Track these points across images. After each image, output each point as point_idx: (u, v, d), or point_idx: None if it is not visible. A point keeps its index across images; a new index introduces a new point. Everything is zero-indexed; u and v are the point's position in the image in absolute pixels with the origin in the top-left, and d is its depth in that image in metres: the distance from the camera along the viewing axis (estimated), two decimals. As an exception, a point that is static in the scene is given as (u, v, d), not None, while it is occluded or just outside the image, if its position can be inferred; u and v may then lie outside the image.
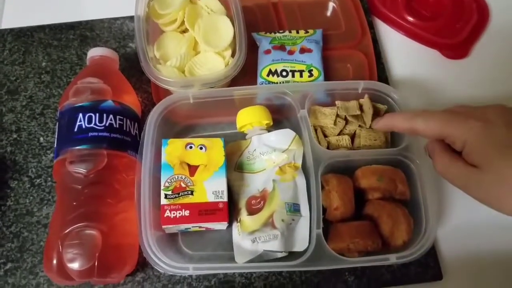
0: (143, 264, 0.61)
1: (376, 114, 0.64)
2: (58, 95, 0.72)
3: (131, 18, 0.79)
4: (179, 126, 0.68)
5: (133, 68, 0.73)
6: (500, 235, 0.64)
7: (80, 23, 0.79)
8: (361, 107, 0.65)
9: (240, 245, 0.59)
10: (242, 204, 0.60)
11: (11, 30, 0.78)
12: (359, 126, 0.64)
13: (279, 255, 0.58)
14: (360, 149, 0.63)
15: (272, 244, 0.56)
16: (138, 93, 0.70)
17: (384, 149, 0.62)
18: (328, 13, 0.79)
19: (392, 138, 0.65)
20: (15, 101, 0.72)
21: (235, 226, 0.60)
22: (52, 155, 0.68)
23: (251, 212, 0.59)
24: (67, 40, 0.77)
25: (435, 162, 0.52)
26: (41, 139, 0.69)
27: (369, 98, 0.65)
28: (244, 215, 0.59)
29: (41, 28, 0.78)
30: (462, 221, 0.65)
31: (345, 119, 0.64)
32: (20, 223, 0.64)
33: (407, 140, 0.61)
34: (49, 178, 0.67)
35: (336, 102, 0.65)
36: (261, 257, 0.57)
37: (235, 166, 0.64)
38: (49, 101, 0.72)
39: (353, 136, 0.64)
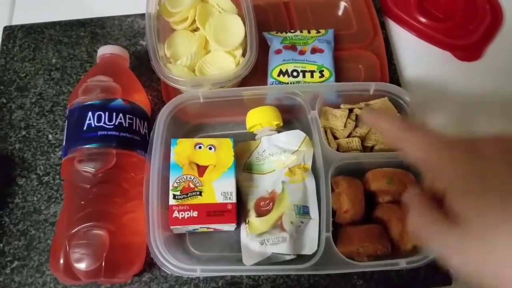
0: (150, 264, 0.60)
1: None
2: (68, 92, 0.72)
3: (142, 15, 0.78)
4: (188, 126, 0.68)
5: (143, 66, 0.73)
6: None
7: (91, 20, 0.79)
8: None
9: (248, 246, 0.58)
10: (251, 205, 0.60)
11: (22, 26, 0.78)
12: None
13: (287, 257, 0.57)
14: (376, 151, 0.62)
15: (281, 247, 0.55)
16: (147, 92, 0.70)
17: (395, 152, 0.62)
18: (340, 13, 0.79)
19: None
20: (25, 98, 0.72)
21: (244, 227, 0.60)
22: (60, 153, 0.68)
23: (260, 213, 0.59)
24: (78, 37, 0.77)
25: (409, 215, 0.40)
26: (50, 136, 0.69)
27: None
28: (252, 217, 0.59)
29: (52, 24, 0.78)
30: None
31: (356, 120, 0.63)
32: (28, 221, 0.64)
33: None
34: (58, 176, 0.66)
35: (361, 104, 0.64)
36: (269, 260, 0.57)
37: (244, 166, 0.64)
38: (58, 98, 0.72)
39: (363, 139, 0.63)
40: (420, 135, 0.40)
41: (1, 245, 0.62)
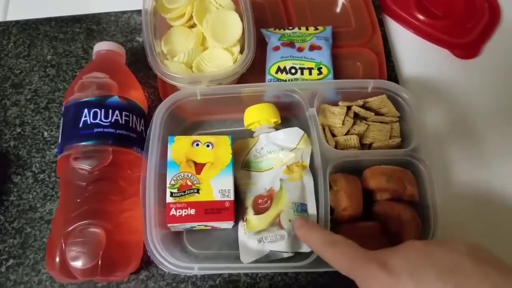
0: (147, 262, 0.60)
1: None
2: (63, 89, 0.72)
3: (138, 12, 0.78)
4: (185, 123, 0.67)
5: (139, 63, 0.72)
6: (509, 240, 0.63)
7: (86, 16, 0.78)
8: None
9: (246, 244, 0.58)
10: (249, 203, 0.60)
11: (16, 22, 0.77)
12: (381, 122, 0.63)
13: (285, 255, 0.57)
14: (374, 148, 0.62)
15: (279, 245, 0.55)
16: (144, 89, 0.69)
17: (393, 149, 0.61)
18: (338, 10, 0.78)
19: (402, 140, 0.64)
20: (20, 94, 0.71)
21: (241, 225, 0.59)
22: (56, 150, 0.67)
23: (258, 211, 0.58)
24: (73, 33, 0.76)
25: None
26: (45, 133, 0.68)
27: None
28: (250, 214, 0.58)
29: (47, 20, 0.78)
30: (469, 224, 0.64)
31: (354, 117, 0.63)
32: (23, 218, 0.63)
33: (416, 141, 0.60)
34: (53, 174, 0.66)
35: (359, 101, 0.64)
36: (267, 257, 0.56)
37: (241, 164, 0.63)
38: (54, 95, 0.71)
39: (361, 136, 0.63)
40: (344, 245, 0.45)
41: (-4, 243, 0.62)
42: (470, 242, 0.41)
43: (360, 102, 0.63)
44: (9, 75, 0.73)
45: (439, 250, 0.40)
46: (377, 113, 0.64)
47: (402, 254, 0.41)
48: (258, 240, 0.56)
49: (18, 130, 0.69)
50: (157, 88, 0.70)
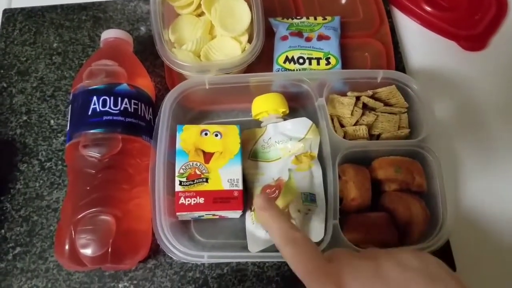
0: (155, 250, 0.60)
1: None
2: (69, 77, 0.71)
3: (145, 0, 0.77)
4: (193, 112, 0.67)
5: (146, 52, 0.72)
6: (516, 230, 0.63)
7: (93, 4, 0.77)
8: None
9: (254, 234, 0.58)
10: (257, 192, 0.59)
11: (22, 9, 0.77)
12: (390, 113, 0.63)
13: (293, 245, 0.57)
14: (383, 139, 0.62)
15: None
16: (151, 77, 0.68)
17: (402, 140, 0.61)
18: (346, 0, 0.78)
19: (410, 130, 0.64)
20: (25, 82, 0.71)
21: (249, 214, 0.59)
22: (62, 138, 0.67)
23: (266, 201, 0.58)
24: (79, 21, 0.76)
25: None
26: (52, 121, 0.68)
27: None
28: (258, 204, 0.58)
29: (53, 8, 0.77)
30: (477, 214, 0.64)
31: (363, 107, 0.63)
32: (30, 207, 0.63)
33: (425, 132, 0.60)
34: (60, 162, 0.65)
35: (368, 92, 0.64)
36: (274, 247, 0.56)
37: (249, 154, 0.63)
38: (60, 83, 0.71)
39: (369, 127, 0.63)
40: (301, 247, 0.42)
41: (3, 231, 0.62)
42: (421, 254, 0.42)
43: (370, 92, 0.63)
44: (15, 62, 0.72)
45: (393, 271, 0.39)
46: (386, 104, 0.63)
47: (359, 276, 0.40)
48: (266, 230, 0.56)
49: (24, 118, 0.68)
50: (164, 77, 0.70)
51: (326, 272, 0.40)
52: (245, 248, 0.57)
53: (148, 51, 0.72)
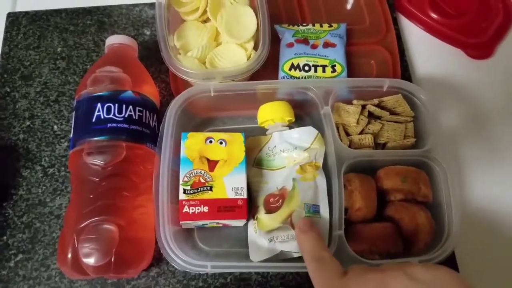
0: (158, 259, 0.60)
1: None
2: (73, 82, 0.71)
3: (150, 5, 0.77)
4: (197, 119, 0.67)
5: (151, 57, 0.71)
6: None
7: (97, 8, 0.77)
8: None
9: (256, 243, 0.57)
10: (260, 201, 0.59)
11: (26, 13, 0.76)
12: (395, 122, 0.63)
13: (295, 255, 0.56)
14: (389, 148, 0.61)
15: (290, 245, 0.54)
16: (156, 83, 0.68)
17: (408, 150, 0.61)
18: (352, 7, 0.77)
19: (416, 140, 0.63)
20: (29, 87, 0.70)
21: (251, 223, 0.59)
22: (66, 144, 0.66)
23: (269, 210, 0.58)
24: (84, 25, 0.75)
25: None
26: (55, 127, 0.68)
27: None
28: (261, 213, 0.57)
29: (57, 12, 0.77)
30: (483, 225, 0.64)
31: (368, 116, 0.62)
32: (32, 213, 0.63)
33: (431, 142, 0.59)
34: (63, 168, 0.65)
35: (374, 100, 0.63)
36: (277, 256, 0.56)
37: (253, 161, 0.63)
38: (64, 88, 0.70)
39: (375, 136, 0.62)
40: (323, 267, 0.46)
41: (5, 237, 0.61)
42: (434, 267, 0.41)
43: (376, 101, 0.63)
44: (19, 66, 0.72)
45: (400, 284, 0.40)
46: (392, 113, 0.63)
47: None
48: (269, 239, 0.55)
49: (28, 123, 0.68)
50: (169, 83, 0.70)
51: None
52: (248, 256, 0.57)
53: (153, 57, 0.71)
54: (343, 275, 0.44)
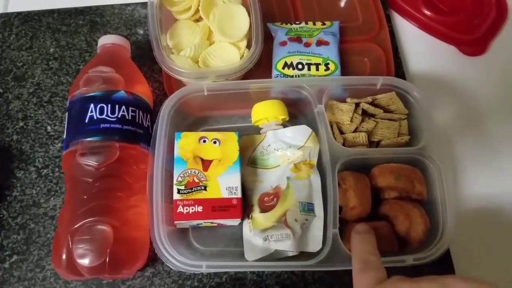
0: (152, 258, 0.60)
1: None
2: (66, 82, 0.70)
3: (142, 4, 0.77)
4: (191, 118, 0.66)
5: (144, 57, 0.71)
6: (516, 238, 0.63)
7: (90, 8, 0.77)
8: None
9: (251, 242, 0.57)
10: (255, 200, 0.59)
11: (18, 13, 0.76)
12: (389, 119, 0.63)
13: (290, 254, 0.56)
14: (383, 146, 0.61)
15: (285, 244, 0.54)
16: (149, 83, 0.68)
17: (402, 147, 0.61)
18: (345, 5, 0.77)
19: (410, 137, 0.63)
20: (22, 88, 0.70)
21: (246, 222, 0.59)
22: (60, 145, 0.66)
23: (264, 209, 0.58)
24: (76, 25, 0.75)
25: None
26: (49, 128, 0.67)
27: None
28: (256, 212, 0.58)
29: (50, 12, 0.76)
30: (478, 222, 0.64)
31: (362, 114, 0.62)
32: (27, 214, 0.62)
33: (425, 139, 0.59)
34: (57, 169, 0.65)
35: (368, 98, 0.63)
36: (272, 255, 0.56)
37: (248, 161, 0.63)
38: (57, 88, 0.70)
39: (369, 134, 0.62)
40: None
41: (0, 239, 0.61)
42: (470, 279, 0.41)
43: (369, 99, 0.63)
44: (11, 67, 0.71)
45: None
46: (386, 110, 0.63)
47: None
48: (263, 238, 0.55)
49: (21, 124, 0.68)
50: (162, 83, 0.69)
51: None
52: (243, 256, 0.57)
53: (145, 56, 0.71)
54: (380, 283, 0.44)
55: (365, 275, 0.46)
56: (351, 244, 0.52)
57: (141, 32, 0.75)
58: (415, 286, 0.41)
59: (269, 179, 0.60)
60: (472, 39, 0.76)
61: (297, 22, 0.72)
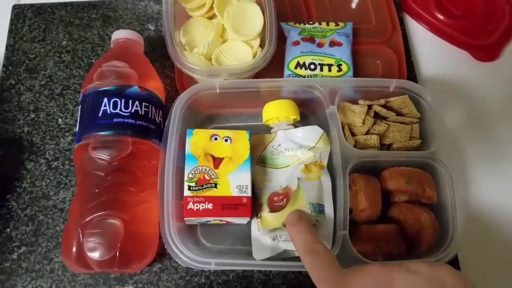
0: (160, 254, 0.60)
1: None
2: (78, 76, 0.70)
3: (155, 0, 0.76)
4: (202, 115, 0.66)
5: (156, 52, 0.71)
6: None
7: (103, 2, 0.77)
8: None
9: (259, 241, 0.57)
10: (264, 200, 0.59)
11: (32, 5, 0.76)
12: (401, 123, 0.62)
13: (298, 254, 0.56)
14: (394, 149, 0.61)
15: None
16: (161, 78, 0.68)
17: (413, 151, 0.61)
18: (359, 6, 0.77)
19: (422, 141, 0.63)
20: (34, 79, 0.70)
21: (255, 221, 0.59)
22: (70, 137, 0.66)
23: (273, 209, 0.57)
24: (89, 19, 0.75)
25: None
26: (60, 120, 0.68)
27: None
28: (265, 212, 0.57)
29: (63, 5, 0.76)
30: (487, 228, 0.64)
31: (374, 116, 0.62)
32: (36, 206, 0.63)
33: (437, 144, 0.59)
34: (67, 162, 0.65)
35: (380, 101, 0.63)
36: (280, 255, 0.56)
37: (257, 160, 0.63)
38: (69, 81, 0.70)
39: (380, 136, 0.62)
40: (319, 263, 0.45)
41: (8, 230, 0.61)
42: (436, 264, 0.42)
43: (382, 101, 0.63)
44: (24, 59, 0.72)
45: (401, 279, 0.41)
46: (398, 113, 0.63)
47: (366, 283, 0.42)
48: (272, 238, 0.55)
49: (32, 116, 0.68)
50: (173, 79, 0.69)
51: (338, 281, 0.42)
52: (251, 254, 0.57)
53: (157, 52, 0.71)
54: (341, 268, 0.44)
55: (320, 264, 0.44)
56: (290, 239, 0.50)
57: (153, 28, 0.75)
58: (382, 268, 0.42)
59: (279, 179, 0.60)
60: (485, 45, 0.76)
61: (310, 22, 0.72)
